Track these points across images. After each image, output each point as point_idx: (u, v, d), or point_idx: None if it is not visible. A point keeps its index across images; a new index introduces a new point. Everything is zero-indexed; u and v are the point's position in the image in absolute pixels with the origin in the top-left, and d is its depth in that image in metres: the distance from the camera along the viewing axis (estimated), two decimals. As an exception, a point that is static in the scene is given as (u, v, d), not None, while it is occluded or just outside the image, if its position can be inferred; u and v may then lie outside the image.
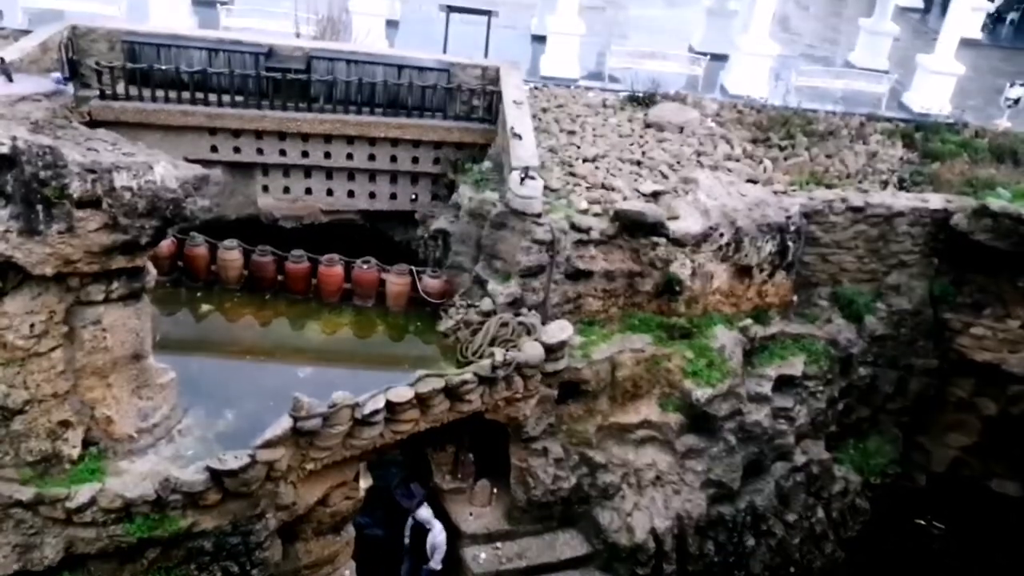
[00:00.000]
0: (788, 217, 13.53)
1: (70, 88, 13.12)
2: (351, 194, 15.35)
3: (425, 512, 12.12)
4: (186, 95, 14.14)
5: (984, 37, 26.49)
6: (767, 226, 13.35)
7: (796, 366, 13.78)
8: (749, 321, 13.50)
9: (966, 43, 21.27)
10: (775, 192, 14.07)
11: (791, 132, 16.46)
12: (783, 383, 13.74)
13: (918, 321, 14.77)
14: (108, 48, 14.53)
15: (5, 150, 8.16)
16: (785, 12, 26.65)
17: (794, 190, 14.34)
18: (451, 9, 18.45)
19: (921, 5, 29.44)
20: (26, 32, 15.16)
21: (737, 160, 15.24)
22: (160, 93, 14.07)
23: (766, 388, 13.44)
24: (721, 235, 13.05)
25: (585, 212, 12.59)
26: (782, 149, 16.01)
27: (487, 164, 14.04)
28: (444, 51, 17.31)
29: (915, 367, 15.07)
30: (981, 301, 14.65)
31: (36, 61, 13.41)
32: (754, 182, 14.38)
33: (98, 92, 14.00)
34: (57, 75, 13.00)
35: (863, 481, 14.96)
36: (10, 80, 11.63)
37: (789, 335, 14.04)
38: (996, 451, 15.61)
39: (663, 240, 12.64)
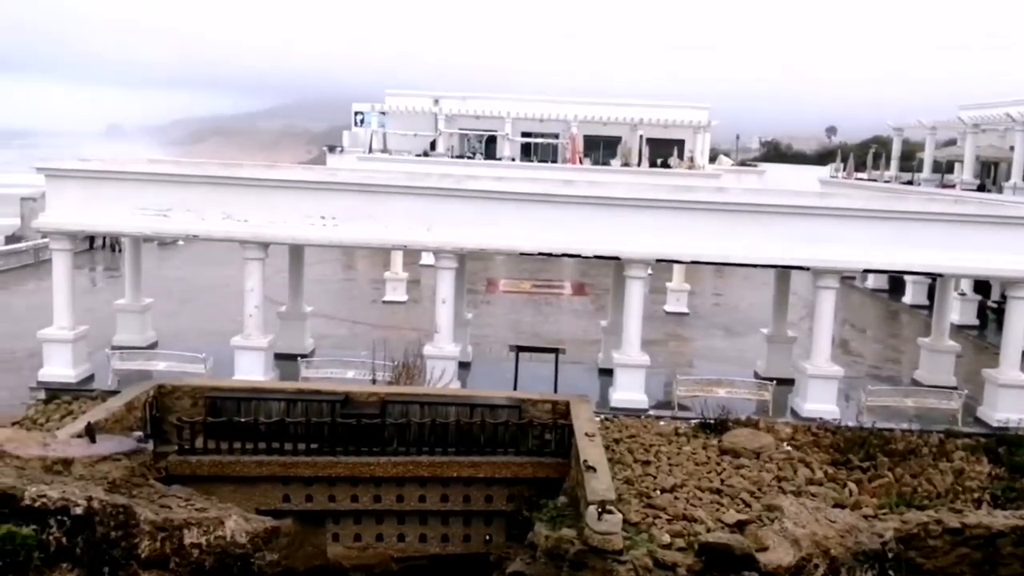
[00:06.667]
0: (884, 543, 12.64)
1: (150, 445, 13.60)
2: (423, 538, 14.90)
3: None
4: (262, 445, 14.48)
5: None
6: (863, 554, 12.46)
7: None
8: (865, 666, 12.00)
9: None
10: (865, 516, 13.36)
11: (871, 452, 16.01)
12: None
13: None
14: (191, 404, 15.28)
15: (79, 511, 8.23)
16: (844, 336, 27.17)
17: (884, 513, 13.61)
18: (520, 349, 19.32)
19: (976, 322, 29.82)
20: (114, 392, 16.13)
21: (820, 484, 14.78)
22: (237, 444, 14.45)
23: None
24: (816, 566, 12.12)
25: (668, 546, 12.00)
26: (864, 471, 15.50)
27: (562, 499, 13.66)
28: (515, 388, 17.81)
29: None
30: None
31: (120, 420, 14.10)
32: (841, 506, 13.79)
33: (176, 447, 14.44)
34: (139, 434, 13.56)
35: None
36: (93, 441, 12.10)
37: None
38: None
39: (755, 574, 11.73)
